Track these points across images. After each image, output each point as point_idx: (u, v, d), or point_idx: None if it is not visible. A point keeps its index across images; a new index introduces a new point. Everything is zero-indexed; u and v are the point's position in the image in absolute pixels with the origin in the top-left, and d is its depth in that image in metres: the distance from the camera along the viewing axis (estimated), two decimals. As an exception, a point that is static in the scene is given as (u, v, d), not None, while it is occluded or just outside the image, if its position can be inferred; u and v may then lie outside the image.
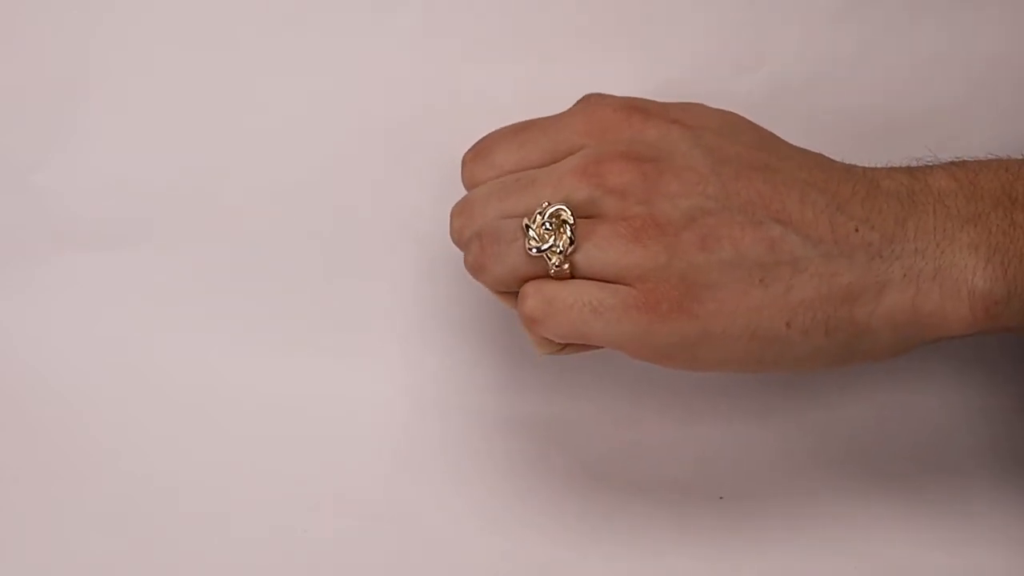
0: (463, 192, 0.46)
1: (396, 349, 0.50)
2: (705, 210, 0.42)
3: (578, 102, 0.46)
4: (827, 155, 0.46)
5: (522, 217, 0.42)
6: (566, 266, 0.42)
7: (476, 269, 0.44)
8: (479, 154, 0.45)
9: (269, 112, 0.52)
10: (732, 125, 0.45)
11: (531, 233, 0.42)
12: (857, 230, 0.43)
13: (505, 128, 0.46)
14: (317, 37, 0.51)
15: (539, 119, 0.45)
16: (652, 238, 0.42)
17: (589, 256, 0.42)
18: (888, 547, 0.50)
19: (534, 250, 0.42)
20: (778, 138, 0.46)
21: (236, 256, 0.51)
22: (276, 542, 0.49)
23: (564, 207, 0.42)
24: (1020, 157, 0.45)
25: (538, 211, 0.42)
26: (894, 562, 0.50)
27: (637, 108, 0.44)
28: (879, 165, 0.46)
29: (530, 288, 0.43)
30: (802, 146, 0.46)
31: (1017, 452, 0.51)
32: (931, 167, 0.44)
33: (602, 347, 0.43)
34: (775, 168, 0.43)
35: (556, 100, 0.50)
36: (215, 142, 0.51)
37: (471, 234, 0.44)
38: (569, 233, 0.42)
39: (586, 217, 0.42)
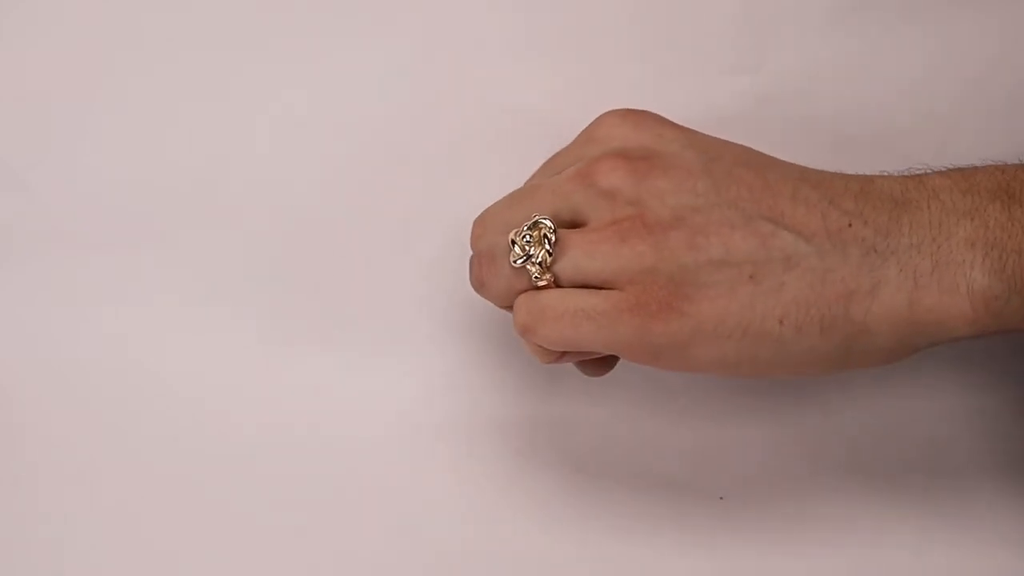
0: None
1: (396, 349, 0.50)
2: (694, 208, 0.42)
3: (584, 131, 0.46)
4: (823, 161, 0.47)
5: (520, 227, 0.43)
6: (548, 276, 0.42)
7: (478, 285, 0.45)
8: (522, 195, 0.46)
9: (269, 112, 0.52)
10: (731, 143, 0.45)
11: (515, 248, 0.43)
12: (850, 225, 0.42)
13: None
14: (318, 37, 0.52)
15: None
16: (639, 238, 0.42)
17: (577, 265, 0.42)
18: (888, 548, 0.50)
19: (516, 262, 0.43)
20: (775, 158, 0.46)
21: (237, 256, 0.51)
22: (277, 541, 0.49)
23: (545, 219, 0.43)
24: (1016, 163, 0.46)
25: (526, 224, 0.43)
26: (894, 563, 0.50)
27: (634, 113, 0.45)
28: (875, 170, 0.46)
29: (522, 299, 0.43)
30: (799, 147, 0.47)
31: (1017, 453, 0.51)
32: (926, 171, 0.44)
33: (600, 353, 0.44)
34: (767, 165, 0.43)
35: (555, 99, 0.50)
36: (215, 142, 0.52)
37: (475, 249, 0.45)
38: (548, 246, 0.42)
39: (580, 225, 0.43)
